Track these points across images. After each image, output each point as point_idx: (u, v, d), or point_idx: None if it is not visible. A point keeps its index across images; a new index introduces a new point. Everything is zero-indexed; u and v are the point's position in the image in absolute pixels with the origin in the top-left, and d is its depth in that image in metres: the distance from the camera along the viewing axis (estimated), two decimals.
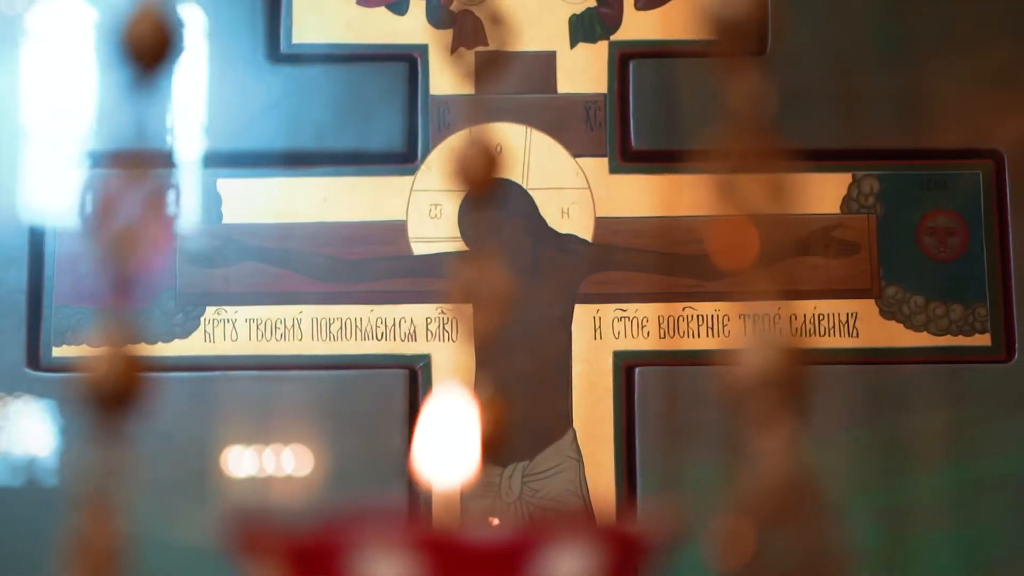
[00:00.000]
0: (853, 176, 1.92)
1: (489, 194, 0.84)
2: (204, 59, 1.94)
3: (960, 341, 1.89)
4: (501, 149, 1.93)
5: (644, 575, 0.61)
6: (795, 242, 1.91)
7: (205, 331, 1.90)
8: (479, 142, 0.82)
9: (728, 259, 0.60)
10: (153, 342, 1.89)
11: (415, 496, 1.83)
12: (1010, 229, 1.90)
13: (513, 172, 1.93)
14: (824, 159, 1.92)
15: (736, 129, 0.60)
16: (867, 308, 1.90)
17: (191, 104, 1.92)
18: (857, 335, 1.89)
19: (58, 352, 1.89)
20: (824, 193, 1.92)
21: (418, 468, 0.64)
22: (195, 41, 1.94)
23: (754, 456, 0.57)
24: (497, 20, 0.85)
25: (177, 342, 1.90)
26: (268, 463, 1.86)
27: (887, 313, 1.90)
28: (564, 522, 0.57)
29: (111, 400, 0.58)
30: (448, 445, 0.65)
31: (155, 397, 0.61)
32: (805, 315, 1.89)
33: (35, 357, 1.89)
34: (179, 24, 0.63)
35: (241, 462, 1.86)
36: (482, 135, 0.82)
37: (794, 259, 1.90)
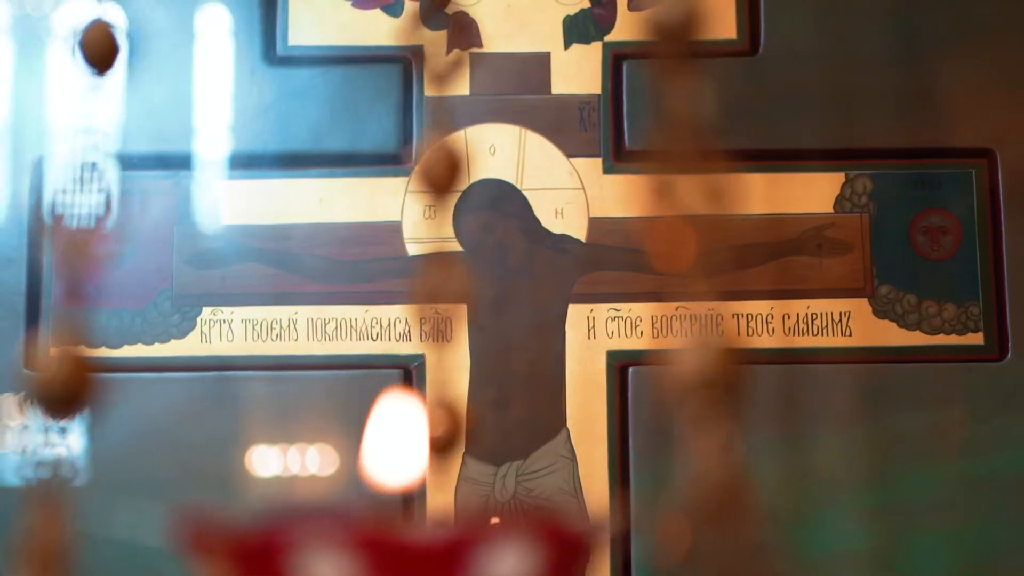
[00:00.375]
0: (846, 175, 1.93)
1: (451, 196, 0.85)
2: (201, 62, 1.95)
3: (953, 340, 1.89)
4: (495, 150, 1.94)
5: (586, 573, 0.62)
6: (788, 241, 1.91)
7: (202, 332, 1.91)
8: (443, 146, 0.83)
9: (666, 261, 0.61)
10: (150, 343, 1.91)
11: (409, 496, 1.85)
12: (1003, 228, 1.90)
13: (507, 173, 1.94)
14: (817, 158, 1.92)
15: (677, 131, 0.61)
16: (860, 307, 1.90)
17: (188, 106, 1.94)
18: (850, 334, 1.89)
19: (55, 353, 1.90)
20: (817, 192, 1.92)
21: (368, 468, 0.65)
22: (193, 44, 1.96)
23: (693, 455, 0.58)
24: (463, 26, 0.86)
25: (174, 342, 1.91)
26: (263, 462, 1.87)
27: (880, 312, 1.90)
28: (505, 521, 0.58)
29: (60, 400, 0.60)
30: (397, 445, 0.66)
31: (107, 398, 0.62)
32: (798, 314, 1.89)
33: (33, 358, 1.90)
34: (124, 31, 0.64)
35: (235, 461, 1.87)
36: (447, 139, 0.83)
37: (787, 259, 1.91)
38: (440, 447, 0.83)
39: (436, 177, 0.83)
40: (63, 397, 0.59)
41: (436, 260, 0.82)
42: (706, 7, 0.61)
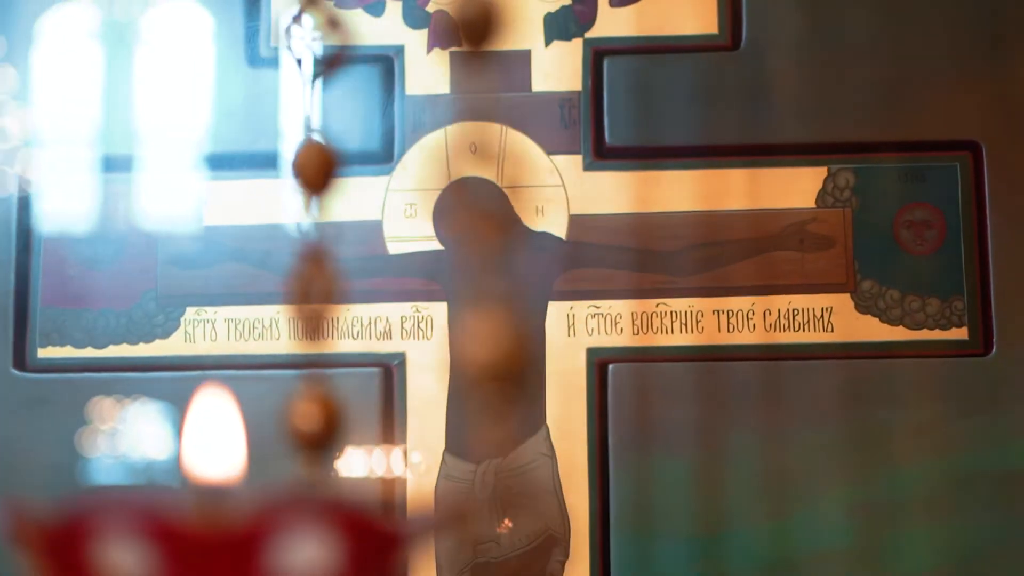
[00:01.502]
0: (828, 169, 1.91)
1: (327, 192, 0.85)
2: (184, 62, 1.97)
3: (937, 335, 1.87)
4: (475, 148, 1.94)
5: (400, 566, 0.62)
6: (770, 236, 1.90)
7: (185, 331, 1.93)
8: (315, 142, 0.84)
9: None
10: (135, 343, 1.93)
11: (389, 490, 1.85)
12: (988, 221, 1.88)
13: (488, 170, 1.94)
14: (799, 153, 1.91)
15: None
16: (842, 302, 1.88)
17: (171, 107, 1.95)
18: (832, 330, 1.87)
19: (43, 353, 1.93)
20: (799, 187, 1.91)
21: (189, 464, 0.65)
22: (178, 45, 1.97)
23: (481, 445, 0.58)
24: (335, 23, 0.86)
25: (158, 342, 1.93)
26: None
27: (863, 307, 1.88)
28: (305, 511, 0.58)
29: None
30: (216, 440, 0.67)
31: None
32: (780, 309, 1.88)
33: (21, 358, 1.93)
34: None
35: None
36: (319, 135, 0.83)
37: (768, 254, 1.89)
38: (313, 443, 0.83)
39: (309, 176, 0.84)
40: None
41: (308, 258, 0.83)
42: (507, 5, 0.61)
